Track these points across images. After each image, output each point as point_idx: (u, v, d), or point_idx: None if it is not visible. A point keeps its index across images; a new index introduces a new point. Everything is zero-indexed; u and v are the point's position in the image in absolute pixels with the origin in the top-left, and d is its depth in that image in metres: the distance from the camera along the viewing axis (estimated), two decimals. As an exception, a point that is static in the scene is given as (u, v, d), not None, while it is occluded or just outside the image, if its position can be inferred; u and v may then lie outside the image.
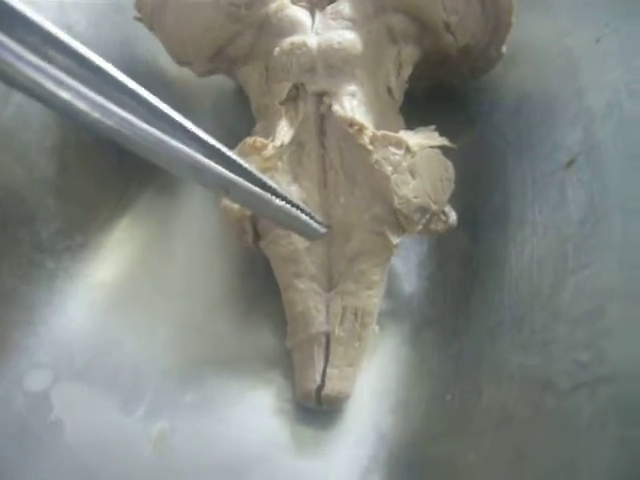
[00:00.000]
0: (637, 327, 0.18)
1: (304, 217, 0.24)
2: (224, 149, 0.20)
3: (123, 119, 0.17)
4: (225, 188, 0.20)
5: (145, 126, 0.17)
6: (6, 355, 0.27)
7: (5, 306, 0.27)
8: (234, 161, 0.20)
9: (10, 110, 0.27)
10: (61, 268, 0.29)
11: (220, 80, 0.36)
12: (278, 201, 0.22)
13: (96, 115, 0.16)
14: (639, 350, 0.18)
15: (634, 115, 0.24)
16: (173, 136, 0.18)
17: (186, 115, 0.35)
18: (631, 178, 0.22)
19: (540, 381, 0.21)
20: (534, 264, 0.25)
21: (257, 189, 0.21)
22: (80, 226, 0.30)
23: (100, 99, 0.16)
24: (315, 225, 0.25)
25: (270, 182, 0.22)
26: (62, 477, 0.25)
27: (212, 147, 0.19)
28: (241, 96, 0.36)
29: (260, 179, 0.21)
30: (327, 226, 0.26)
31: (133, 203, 0.32)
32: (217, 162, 0.19)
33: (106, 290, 0.30)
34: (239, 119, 0.36)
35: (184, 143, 0.18)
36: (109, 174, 0.32)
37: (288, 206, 0.23)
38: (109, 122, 0.17)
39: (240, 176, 0.20)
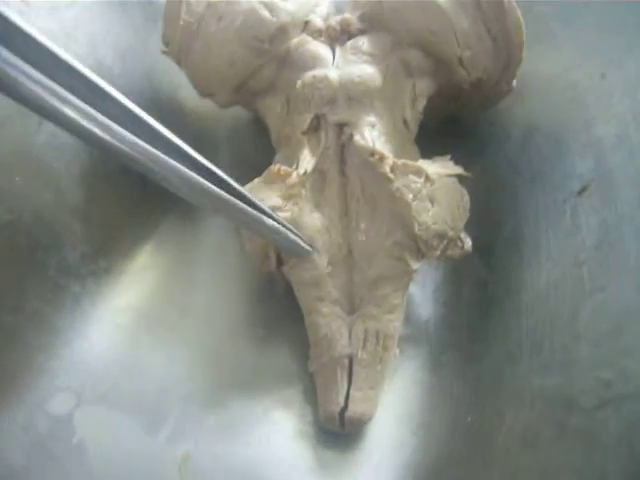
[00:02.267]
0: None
1: (293, 236, 0.26)
2: (217, 170, 0.22)
3: (123, 136, 0.18)
4: (216, 207, 0.22)
5: (144, 145, 0.19)
6: (30, 378, 0.27)
7: (30, 329, 0.27)
8: (225, 180, 0.22)
9: (42, 139, 0.28)
10: (86, 292, 0.29)
11: (236, 111, 0.37)
12: (268, 220, 0.24)
13: (109, 138, 0.18)
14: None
15: (642, 144, 0.25)
16: (170, 155, 0.20)
17: (203, 144, 0.36)
18: (643, 204, 0.23)
19: (563, 401, 0.22)
20: (550, 288, 0.26)
21: (248, 208, 0.23)
22: (104, 251, 0.31)
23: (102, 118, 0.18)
24: (303, 244, 0.27)
25: (260, 204, 0.23)
26: (85, 501, 0.26)
27: (205, 167, 0.21)
28: (256, 126, 0.37)
29: (250, 199, 0.23)
30: (312, 246, 0.27)
31: (155, 230, 0.33)
32: (209, 180, 0.21)
33: (129, 314, 0.30)
34: (255, 148, 0.37)
35: (181, 162, 0.20)
36: (133, 202, 0.32)
37: (278, 225, 0.24)
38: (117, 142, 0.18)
39: (232, 195, 0.22)
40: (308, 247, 0.27)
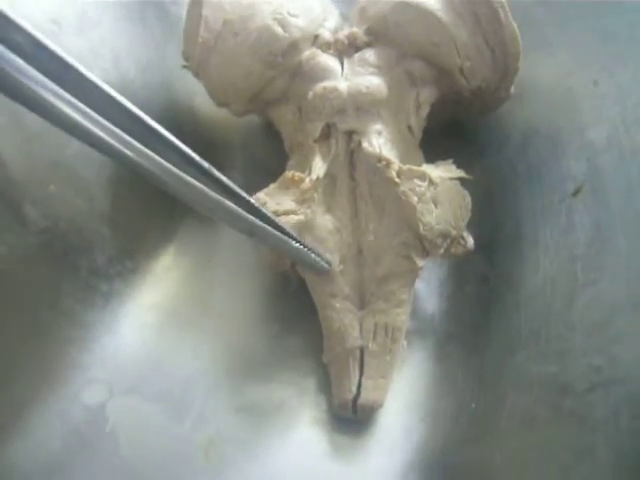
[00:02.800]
0: (644, 333, 0.21)
1: (314, 255, 0.28)
2: (252, 200, 0.24)
3: (164, 168, 0.21)
4: (251, 232, 0.25)
5: (190, 180, 0.21)
6: (65, 371, 0.29)
7: (64, 325, 0.29)
8: (258, 209, 0.25)
9: (73, 149, 0.30)
10: (114, 291, 0.31)
11: (250, 119, 0.39)
12: (294, 243, 0.27)
13: (141, 161, 0.20)
14: (646, 352, 0.21)
15: (631, 148, 0.27)
16: (211, 188, 0.22)
17: (218, 150, 0.38)
18: (633, 203, 0.25)
19: (558, 386, 0.24)
20: (547, 282, 0.28)
21: (278, 233, 0.26)
22: (130, 253, 0.33)
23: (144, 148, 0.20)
24: (322, 263, 0.29)
25: (286, 227, 0.26)
26: (118, 485, 0.28)
27: (243, 198, 0.24)
28: (269, 133, 0.39)
29: (278, 225, 0.26)
30: (329, 264, 0.30)
31: (177, 233, 0.35)
32: (245, 209, 0.24)
33: (155, 311, 0.32)
34: (267, 153, 0.39)
35: (221, 195, 0.23)
36: (155, 207, 0.34)
37: (301, 246, 0.27)
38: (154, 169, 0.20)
39: (264, 222, 0.25)
40: (327, 265, 0.29)
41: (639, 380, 0.20)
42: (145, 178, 0.21)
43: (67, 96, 0.18)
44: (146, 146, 0.20)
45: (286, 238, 0.26)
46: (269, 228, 0.25)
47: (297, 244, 0.27)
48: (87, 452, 0.28)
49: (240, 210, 0.23)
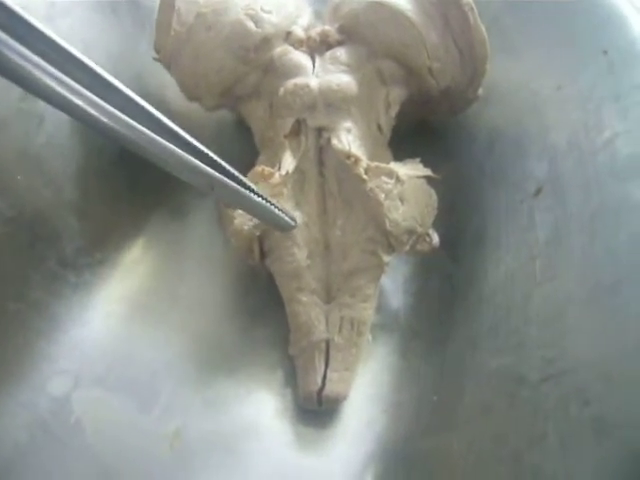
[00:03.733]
0: (594, 327, 0.22)
1: (277, 211, 0.28)
2: (212, 153, 0.24)
3: (130, 126, 0.20)
4: (211, 185, 0.23)
5: (149, 133, 0.21)
6: (31, 362, 0.29)
7: (31, 316, 0.29)
8: (219, 163, 0.24)
9: (42, 139, 0.30)
10: (82, 283, 0.31)
11: (222, 114, 0.39)
12: (256, 197, 0.26)
13: (106, 121, 0.19)
14: (595, 345, 0.22)
15: (590, 151, 0.28)
16: (171, 142, 0.22)
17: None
18: (589, 205, 0.26)
19: (514, 377, 0.25)
20: (508, 279, 0.29)
21: (239, 187, 0.24)
22: (99, 244, 0.33)
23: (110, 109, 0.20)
24: (287, 219, 0.28)
25: (248, 182, 0.25)
26: (84, 476, 0.28)
27: (201, 151, 0.23)
28: (240, 128, 0.39)
29: (240, 179, 0.25)
30: (294, 221, 0.29)
31: (146, 225, 0.35)
32: (205, 163, 0.23)
33: (123, 303, 0.33)
34: (238, 148, 0.39)
35: (180, 148, 0.22)
36: (125, 198, 0.34)
37: (264, 202, 0.26)
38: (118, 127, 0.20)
39: (225, 176, 0.24)
40: (292, 222, 0.29)
41: (588, 371, 0.21)
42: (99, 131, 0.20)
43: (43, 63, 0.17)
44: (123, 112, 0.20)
45: (248, 193, 0.25)
46: (229, 182, 0.24)
47: (260, 199, 0.26)
48: (52, 443, 0.28)
49: (198, 162, 0.22)
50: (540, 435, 0.21)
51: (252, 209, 0.27)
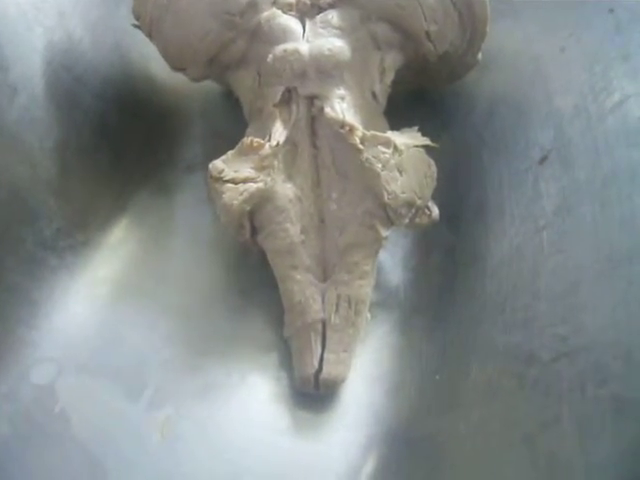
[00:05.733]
0: (610, 301, 0.21)
1: None
2: None
3: None
4: None
5: None
6: (12, 350, 0.28)
7: (10, 302, 0.28)
8: None
9: (15, 113, 0.28)
10: (63, 265, 0.30)
11: (208, 84, 0.37)
12: None
13: None
14: (612, 320, 0.20)
15: (599, 115, 0.26)
16: None
17: (175, 117, 0.37)
18: (599, 171, 0.25)
19: (523, 355, 0.23)
20: (513, 252, 0.28)
21: None
22: (81, 225, 0.31)
23: None
24: None
25: None
26: (70, 467, 0.26)
27: None
28: (228, 99, 0.37)
29: None
30: None
31: (130, 203, 0.34)
32: None
33: (107, 286, 0.31)
34: (227, 121, 0.38)
35: None
36: (107, 175, 0.33)
37: None
38: None
39: None
40: None
41: (604, 348, 0.20)
42: None
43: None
44: None
45: None
46: None
47: None
48: (36, 433, 0.27)
49: None
50: (554, 417, 0.20)
51: None
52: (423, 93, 0.36)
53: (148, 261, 0.32)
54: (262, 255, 0.30)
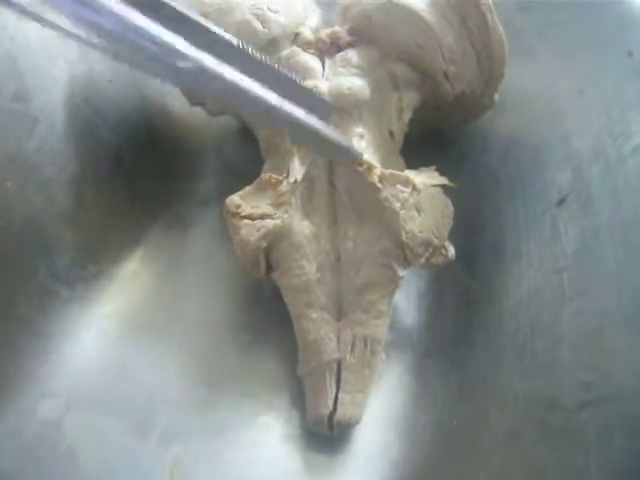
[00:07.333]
0: (635, 347, 0.20)
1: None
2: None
3: None
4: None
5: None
6: (19, 383, 0.27)
7: (19, 334, 0.27)
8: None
9: (34, 143, 0.28)
10: (75, 297, 0.30)
11: (225, 120, 0.38)
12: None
13: None
14: (638, 368, 0.20)
15: (618, 158, 0.26)
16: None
17: (192, 152, 0.37)
18: (619, 215, 0.24)
19: (545, 402, 0.23)
20: (532, 294, 0.27)
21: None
22: (94, 257, 0.31)
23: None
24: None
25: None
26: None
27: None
28: (244, 135, 0.37)
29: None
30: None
31: (144, 236, 0.33)
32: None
33: (118, 320, 0.31)
34: (241, 156, 0.38)
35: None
36: (122, 208, 0.33)
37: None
38: None
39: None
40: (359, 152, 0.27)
41: (633, 397, 0.19)
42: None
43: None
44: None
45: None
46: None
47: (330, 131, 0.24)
48: (40, 470, 0.26)
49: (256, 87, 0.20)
50: (581, 469, 0.19)
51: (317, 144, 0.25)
52: (439, 133, 0.36)
53: (160, 295, 0.32)
54: (274, 292, 0.30)
